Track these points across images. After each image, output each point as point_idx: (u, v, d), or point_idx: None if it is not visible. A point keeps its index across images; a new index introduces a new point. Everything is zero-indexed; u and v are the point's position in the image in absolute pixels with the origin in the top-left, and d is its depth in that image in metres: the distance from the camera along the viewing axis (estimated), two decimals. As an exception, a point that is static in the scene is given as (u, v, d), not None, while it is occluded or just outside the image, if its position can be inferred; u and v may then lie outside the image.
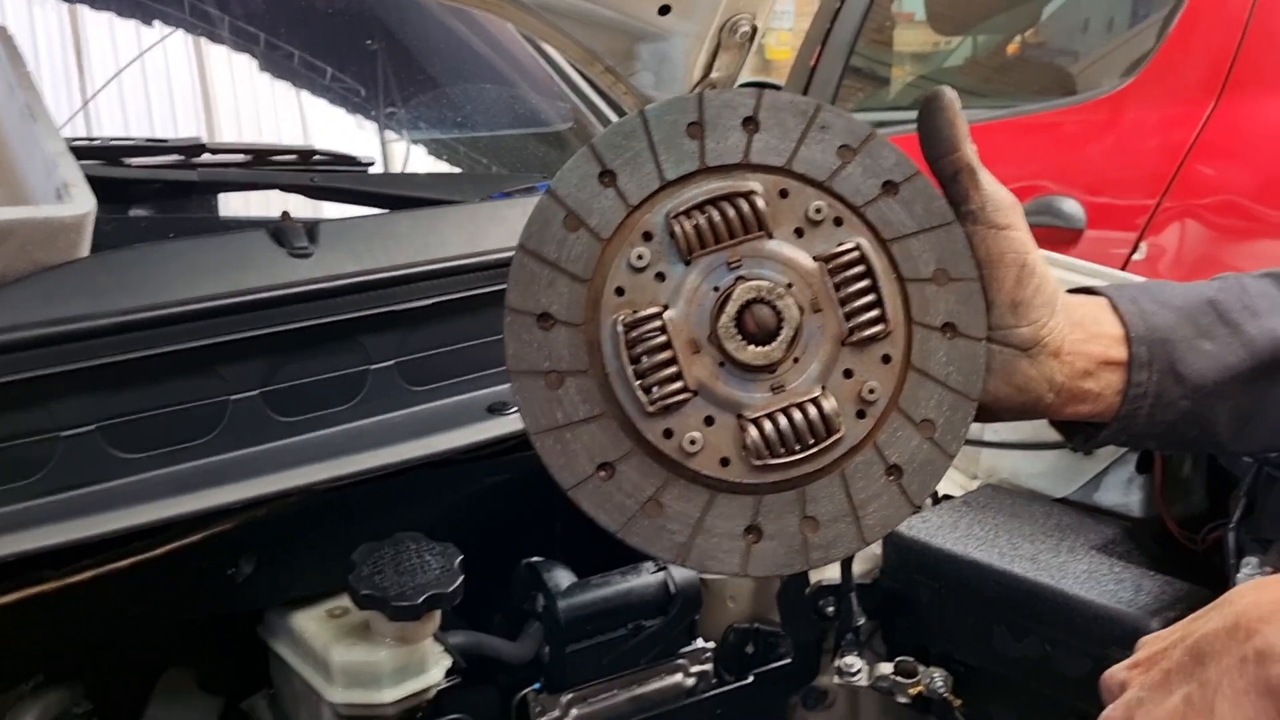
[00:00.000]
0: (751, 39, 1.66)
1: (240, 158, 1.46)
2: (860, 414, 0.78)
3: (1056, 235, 2.88)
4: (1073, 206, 2.89)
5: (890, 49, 4.02)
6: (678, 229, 0.76)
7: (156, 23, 2.11)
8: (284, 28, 2.11)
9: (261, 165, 1.46)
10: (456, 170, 2.03)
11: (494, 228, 1.33)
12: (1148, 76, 2.84)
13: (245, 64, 2.14)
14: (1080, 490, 1.47)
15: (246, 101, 2.15)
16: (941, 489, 1.55)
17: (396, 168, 2.01)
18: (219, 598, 1.23)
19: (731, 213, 0.77)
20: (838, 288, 0.77)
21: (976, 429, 1.60)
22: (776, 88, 4.21)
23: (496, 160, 2.05)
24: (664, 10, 1.57)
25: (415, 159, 2.09)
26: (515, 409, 0.78)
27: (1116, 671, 0.76)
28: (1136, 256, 2.80)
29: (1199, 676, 0.68)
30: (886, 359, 0.78)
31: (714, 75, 1.69)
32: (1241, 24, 2.65)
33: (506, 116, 2.10)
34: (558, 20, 1.63)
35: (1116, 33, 3.28)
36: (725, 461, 0.76)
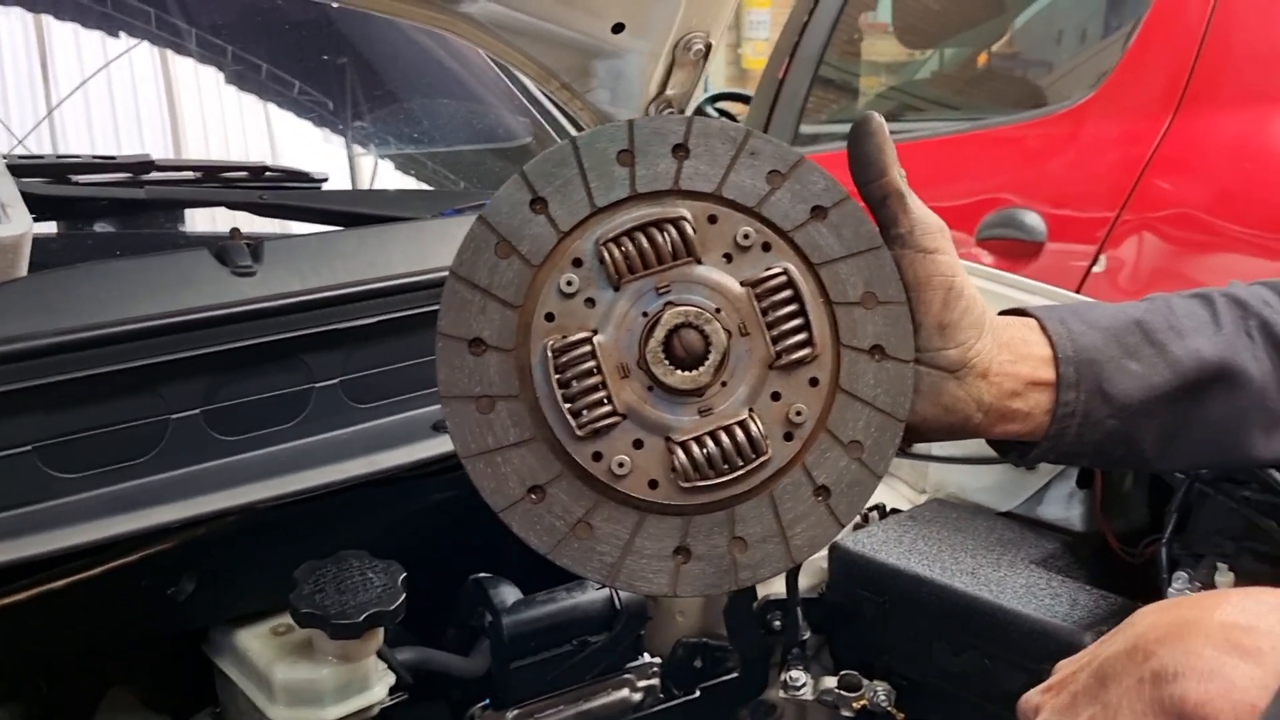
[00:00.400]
0: (705, 57, 1.67)
1: (190, 175, 1.47)
2: (788, 436, 0.79)
3: (1018, 248, 2.91)
4: (1034, 219, 2.92)
5: (859, 60, 4.05)
6: (607, 255, 0.77)
7: (123, 34, 2.11)
8: (250, 41, 2.12)
9: (211, 182, 1.47)
10: (418, 184, 2.04)
11: (441, 246, 1.34)
12: (1107, 92, 2.87)
13: (212, 76, 2.14)
14: (1024, 504, 1.49)
15: (213, 114, 2.16)
16: (890, 503, 1.57)
17: (363, 181, 2.02)
18: (161, 617, 1.23)
19: (661, 239, 0.78)
20: (765, 312, 0.79)
21: (923, 444, 1.62)
22: (746, 99, 4.22)
23: (457, 174, 2.06)
24: (618, 28, 1.59)
25: (380, 172, 2.09)
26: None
27: (1031, 696, 0.78)
28: (1096, 269, 2.83)
29: (1102, 698, 0.70)
30: (814, 382, 0.80)
31: (669, 92, 1.71)
32: (1197, 42, 2.68)
33: (467, 131, 2.11)
34: (513, 38, 1.64)
35: (1089, 44, 3.31)
36: (654, 484, 0.77)
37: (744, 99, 4.26)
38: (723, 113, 4.20)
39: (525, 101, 2.09)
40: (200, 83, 2.13)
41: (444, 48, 2.15)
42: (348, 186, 1.95)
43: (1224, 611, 0.66)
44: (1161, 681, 0.65)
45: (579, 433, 0.76)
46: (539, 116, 2.08)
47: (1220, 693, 0.62)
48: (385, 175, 2.13)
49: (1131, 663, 0.68)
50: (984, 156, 3.13)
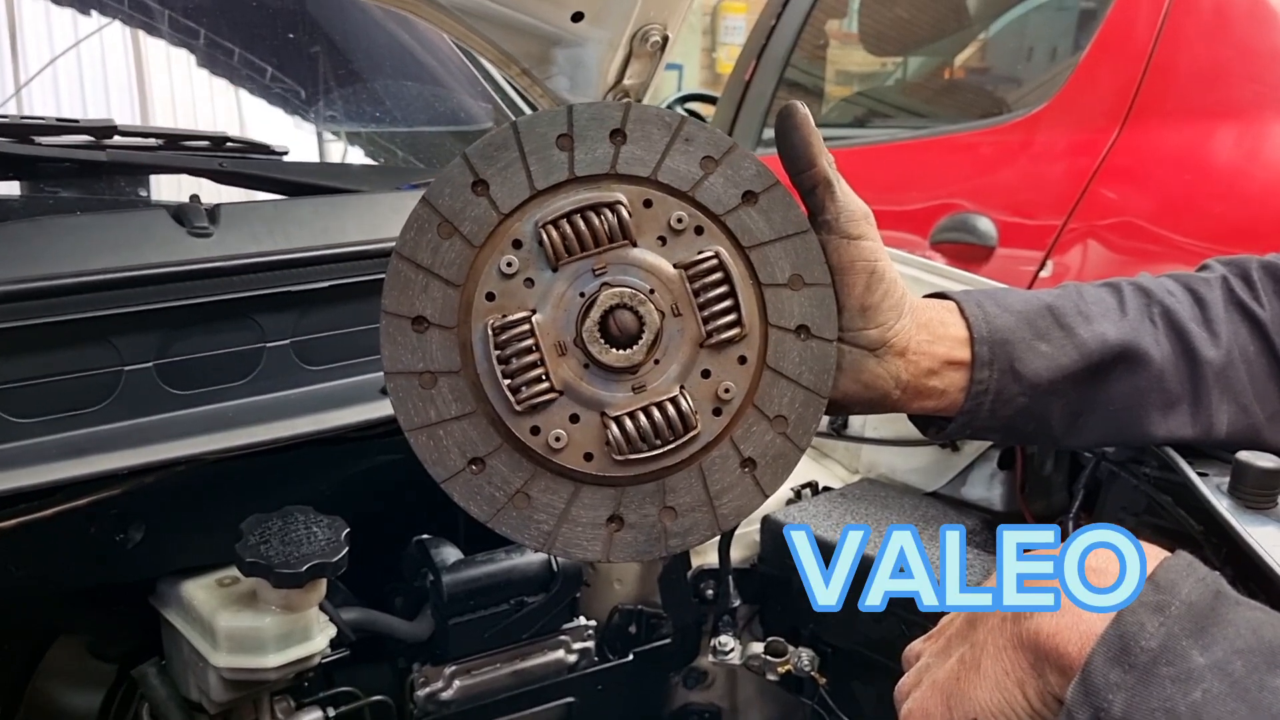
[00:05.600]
0: (663, 48, 1.72)
1: (152, 141, 1.50)
2: (717, 411, 0.83)
3: (970, 251, 2.99)
4: (986, 224, 3.00)
5: (826, 67, 4.13)
6: (546, 237, 0.81)
7: (94, 12, 2.13)
8: (212, 17, 2.14)
9: (173, 149, 1.50)
10: (373, 162, 2.08)
11: (394, 217, 1.35)
12: (1059, 103, 2.96)
13: (182, 56, 2.17)
14: (949, 484, 1.56)
15: (181, 90, 2.18)
16: (823, 482, 1.63)
17: (323, 158, 2.05)
18: (109, 565, 1.26)
19: (598, 222, 0.81)
20: (697, 293, 0.83)
21: (857, 426, 1.68)
22: (714, 100, 4.27)
23: (417, 156, 2.10)
24: (577, 17, 1.63)
25: (338, 153, 2.13)
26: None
27: (914, 645, 0.85)
28: (1043, 274, 2.91)
29: (971, 638, 0.76)
30: (743, 360, 0.84)
31: (627, 82, 1.76)
32: (1144, 58, 2.78)
33: (428, 114, 2.15)
34: (475, 23, 1.68)
35: (1059, 60, 3.40)
36: (589, 456, 0.81)
37: (711, 100, 4.32)
38: (691, 113, 4.26)
39: (487, 87, 2.14)
40: (170, 60, 2.16)
41: (409, 32, 2.19)
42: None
43: None
44: (1020, 618, 0.72)
45: (518, 407, 0.79)
46: (500, 102, 2.13)
47: (1069, 625, 0.68)
48: (346, 153, 2.17)
49: None
50: (940, 162, 3.21)
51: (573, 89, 1.80)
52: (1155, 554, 0.72)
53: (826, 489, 1.60)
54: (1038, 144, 3.01)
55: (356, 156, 2.11)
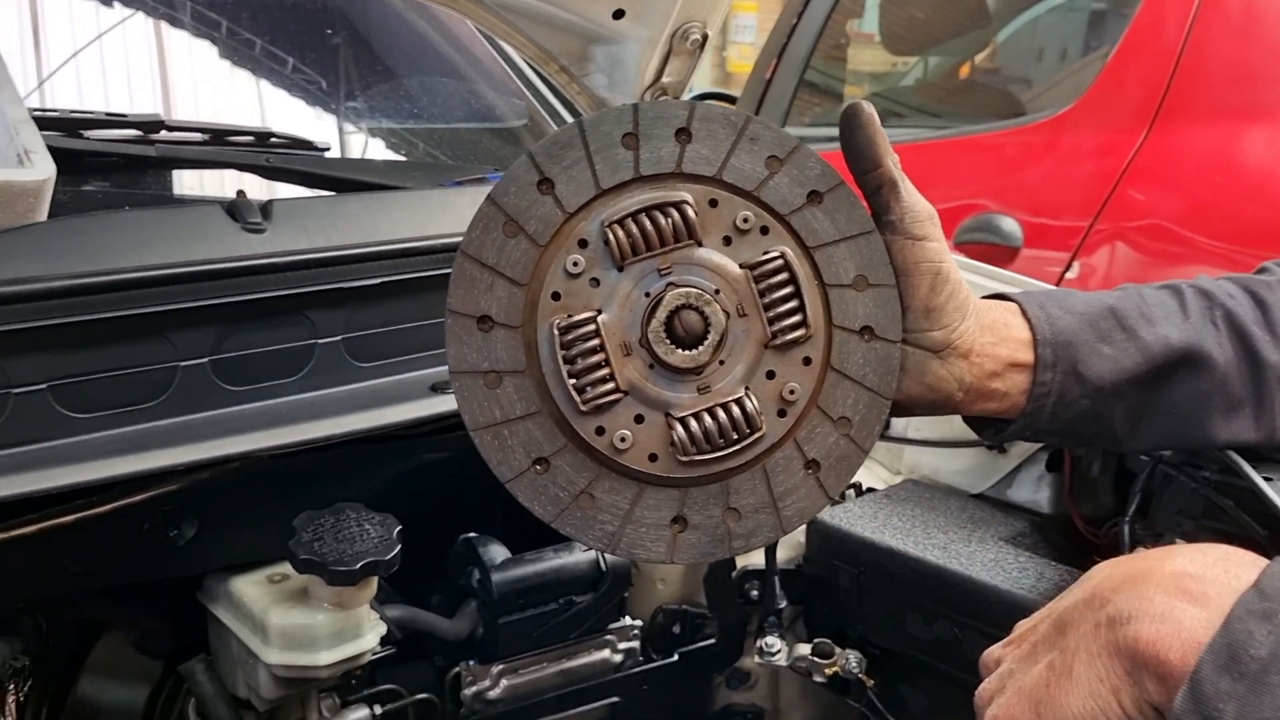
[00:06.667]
0: (702, 46, 1.72)
1: (198, 136, 1.50)
2: (781, 413, 0.82)
3: (995, 252, 2.98)
4: (1011, 225, 2.99)
5: (845, 66, 4.12)
6: (612, 237, 0.80)
7: (117, 4, 2.13)
8: (245, 14, 2.14)
9: (219, 144, 1.50)
10: (409, 159, 2.08)
11: (443, 213, 1.38)
12: (1086, 104, 2.95)
13: (206, 50, 2.16)
14: (995, 486, 1.55)
15: (205, 87, 2.18)
16: (866, 483, 1.62)
17: (361, 154, 2.05)
18: (161, 560, 1.26)
19: (663, 221, 0.81)
20: (762, 294, 0.82)
21: (900, 427, 1.67)
22: (731, 99, 4.27)
23: (451, 153, 2.10)
24: (618, 14, 1.63)
25: (372, 149, 2.13)
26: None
27: (993, 650, 0.83)
28: (1069, 275, 2.90)
29: (1060, 644, 0.74)
30: (807, 361, 0.83)
31: (665, 80, 1.75)
32: (1174, 58, 2.76)
33: (463, 110, 2.15)
34: (515, 19, 1.68)
35: (1069, 62, 3.39)
36: (654, 457, 0.80)
37: (729, 99, 4.31)
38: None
39: (520, 84, 2.13)
40: (194, 58, 2.16)
41: (438, 29, 2.18)
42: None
43: (1174, 562, 0.71)
44: (1116, 624, 0.70)
45: (583, 408, 0.79)
46: (534, 100, 2.12)
47: (1170, 632, 0.67)
48: (382, 150, 2.17)
49: (1089, 610, 0.73)
50: (964, 162, 3.20)
51: (610, 87, 1.80)
52: (1251, 560, 0.71)
53: (870, 490, 1.60)
54: (1064, 144, 2.99)
55: (384, 153, 2.11)
